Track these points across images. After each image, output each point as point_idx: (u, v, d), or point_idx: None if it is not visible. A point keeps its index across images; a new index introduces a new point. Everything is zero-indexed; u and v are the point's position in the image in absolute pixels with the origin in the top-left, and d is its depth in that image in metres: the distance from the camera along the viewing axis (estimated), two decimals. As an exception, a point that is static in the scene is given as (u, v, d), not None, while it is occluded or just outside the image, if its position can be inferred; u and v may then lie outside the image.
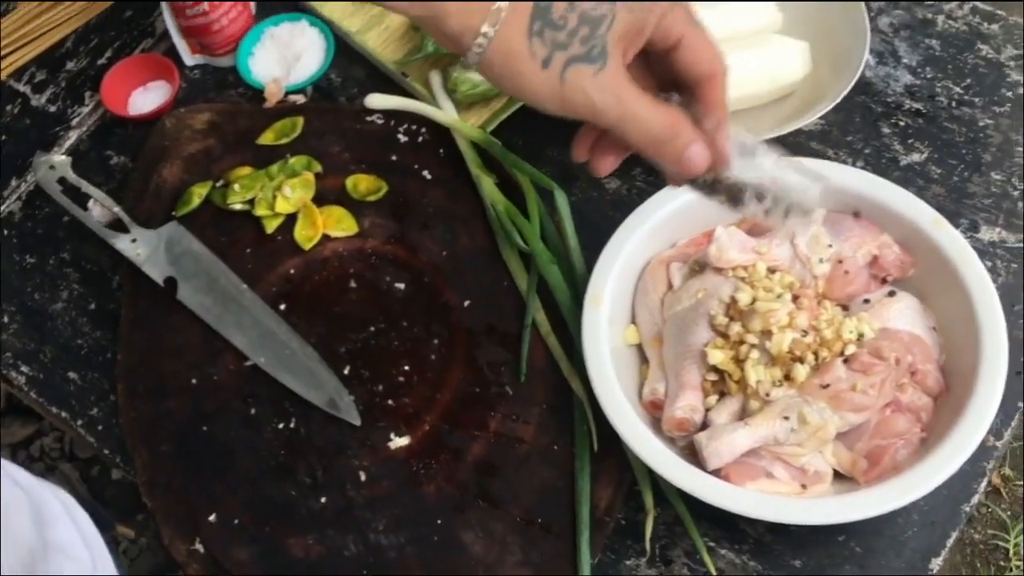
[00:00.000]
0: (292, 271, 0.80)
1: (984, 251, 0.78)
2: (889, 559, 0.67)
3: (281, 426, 0.74)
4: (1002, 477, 1.50)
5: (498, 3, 0.49)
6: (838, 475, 0.67)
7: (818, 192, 0.59)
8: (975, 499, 0.69)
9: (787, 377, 0.66)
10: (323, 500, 0.70)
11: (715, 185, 0.57)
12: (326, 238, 0.81)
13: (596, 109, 0.51)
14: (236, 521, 0.70)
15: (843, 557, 0.68)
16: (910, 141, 0.83)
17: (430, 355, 0.76)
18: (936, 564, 0.67)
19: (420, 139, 0.86)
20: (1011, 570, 1.42)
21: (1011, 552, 1.43)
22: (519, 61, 0.50)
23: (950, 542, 0.68)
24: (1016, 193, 0.80)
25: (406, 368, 0.75)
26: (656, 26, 0.52)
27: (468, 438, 0.72)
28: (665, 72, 0.55)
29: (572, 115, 0.53)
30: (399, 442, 0.72)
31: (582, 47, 0.50)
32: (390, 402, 0.74)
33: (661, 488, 0.69)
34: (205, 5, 0.87)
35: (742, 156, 0.56)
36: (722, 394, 0.68)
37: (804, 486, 0.66)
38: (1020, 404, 0.72)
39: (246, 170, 0.84)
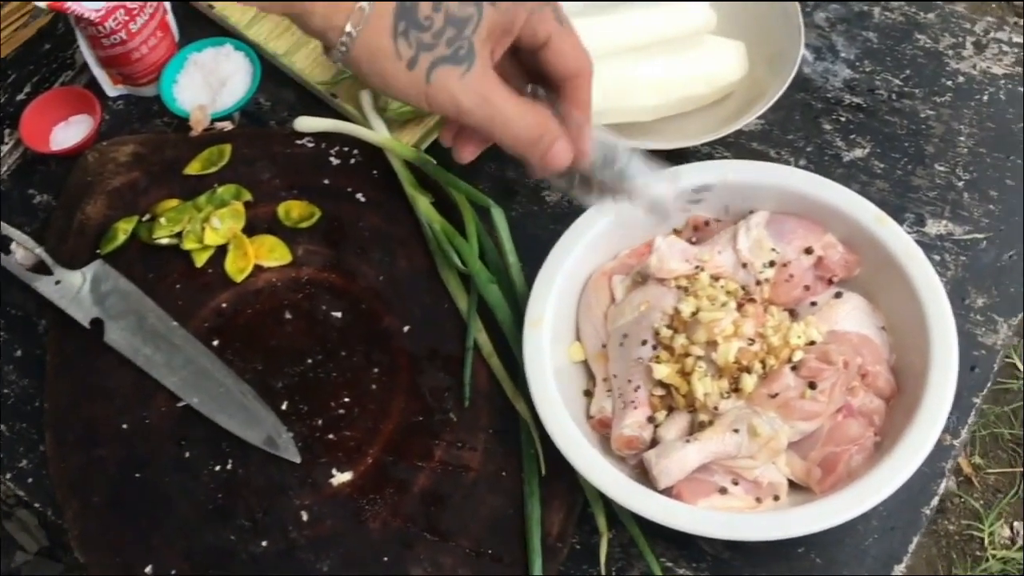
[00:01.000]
0: (224, 305, 0.77)
1: (931, 245, 0.76)
2: (851, 568, 0.65)
3: (218, 468, 0.70)
4: (973, 466, 1.49)
5: (362, 2, 0.49)
6: (793, 485, 0.65)
7: (672, 193, 0.62)
8: (935, 501, 0.67)
9: (735, 388, 0.64)
10: (264, 544, 0.67)
11: (573, 178, 0.60)
12: (259, 269, 0.78)
13: (462, 110, 0.52)
14: (174, 572, 0.67)
15: (804, 569, 0.66)
16: (852, 136, 0.82)
17: (371, 385, 0.73)
18: (899, 571, 0.65)
19: (353, 161, 0.83)
20: (987, 560, 1.41)
21: (986, 542, 1.42)
22: (384, 61, 0.50)
23: (912, 547, 0.66)
24: (961, 184, 0.79)
25: (346, 400, 0.72)
26: (524, 25, 0.53)
27: (413, 469, 0.70)
28: (533, 67, 0.56)
29: (439, 113, 0.54)
30: (341, 478, 0.69)
31: (448, 48, 0.50)
32: (331, 436, 0.71)
33: (614, 509, 0.67)
34: (122, 34, 0.84)
35: (602, 153, 0.59)
36: (671, 409, 0.66)
37: (759, 499, 0.64)
38: (975, 400, 0.70)
39: (173, 203, 0.81)
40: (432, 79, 0.50)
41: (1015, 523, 1.44)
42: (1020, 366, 1.54)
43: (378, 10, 0.49)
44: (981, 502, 1.46)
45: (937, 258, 0.76)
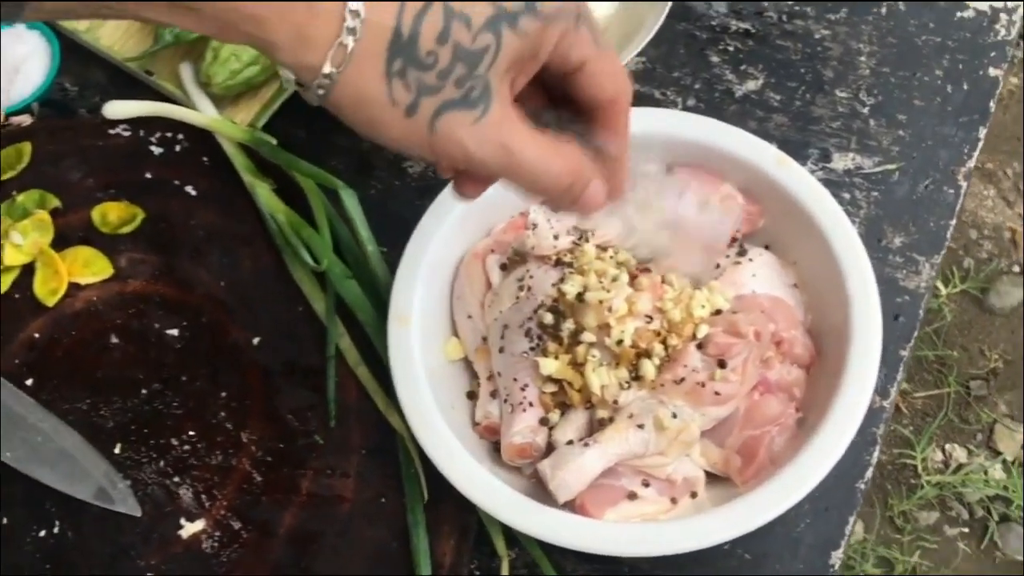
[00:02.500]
0: (37, 335, 0.65)
1: (840, 183, 0.68)
2: (784, 561, 0.58)
3: (43, 534, 0.59)
4: (900, 392, 1.45)
5: (345, 38, 0.38)
6: (712, 475, 0.57)
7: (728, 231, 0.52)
8: (869, 473, 0.60)
9: (635, 376, 0.55)
10: (106, 619, 0.57)
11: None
12: (74, 288, 0.66)
13: (476, 161, 0.41)
14: (-2, 666, 0.56)
15: (732, 568, 0.58)
16: (743, 67, 0.73)
17: (219, 412, 0.62)
18: (837, 558, 0.58)
19: (178, 148, 0.71)
20: (922, 487, 1.38)
21: (920, 468, 1.39)
22: (374, 108, 0.40)
23: (849, 528, 0.59)
24: (865, 110, 0.71)
25: (191, 434, 0.62)
26: (553, 51, 0.42)
27: (277, 507, 0.59)
28: (558, 89, 0.45)
29: (445, 163, 0.44)
30: (192, 528, 0.59)
31: (457, 90, 0.40)
32: (176, 480, 0.60)
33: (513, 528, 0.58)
34: None
35: (642, 187, 0.49)
36: (565, 407, 0.57)
37: (674, 500, 0.55)
38: (903, 353, 0.63)
39: (-36, 219, 0.68)
40: (437, 128, 0.40)
41: (946, 446, 1.41)
42: (940, 285, 1.51)
43: (366, 46, 0.38)
44: (911, 428, 1.43)
45: (847, 196, 0.68)
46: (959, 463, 1.39)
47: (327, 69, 0.38)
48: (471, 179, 0.47)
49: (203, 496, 0.60)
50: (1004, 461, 1.39)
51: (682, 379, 0.54)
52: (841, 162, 0.69)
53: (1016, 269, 1.52)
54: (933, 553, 1.35)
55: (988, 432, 1.42)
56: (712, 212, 0.49)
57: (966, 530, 1.36)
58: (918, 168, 0.68)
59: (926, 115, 0.70)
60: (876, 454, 0.60)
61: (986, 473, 1.37)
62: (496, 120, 0.41)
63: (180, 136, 0.71)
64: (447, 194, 0.62)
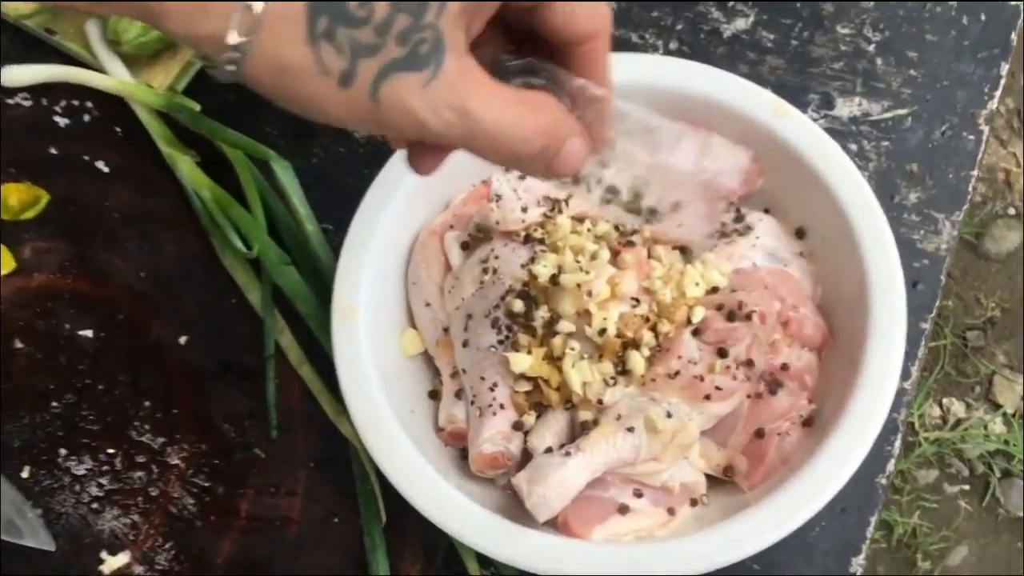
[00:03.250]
0: (-71, 343, 0.57)
1: (846, 132, 0.60)
2: (798, 570, 0.51)
3: (-58, 576, 0.52)
4: (894, 346, 1.39)
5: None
6: (714, 478, 0.50)
7: (740, 172, 0.43)
8: (891, 466, 0.53)
9: (622, 371, 0.47)
10: (18, 673, 0.49)
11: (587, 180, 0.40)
12: (-29, 286, 0.58)
13: (431, 132, 0.34)
14: None
15: (739, 581, 0.51)
16: (731, 4, 0.64)
17: (143, 425, 0.54)
18: (858, 564, 0.51)
19: (87, 118, 0.62)
20: (919, 444, 1.32)
21: (917, 425, 1.33)
22: (301, 81, 0.33)
23: (870, 530, 0.51)
24: (871, 48, 0.62)
25: (110, 451, 0.54)
26: None
27: (213, 533, 0.52)
28: (521, 29, 0.37)
29: (396, 135, 0.38)
30: (115, 562, 0.52)
31: (401, 47, 0.32)
32: (95, 507, 0.53)
33: (486, 546, 0.50)
34: None
35: (637, 139, 0.40)
36: (542, 408, 0.49)
37: (671, 510, 0.48)
38: (924, 326, 0.56)
39: None
40: (381, 96, 0.33)
41: (944, 400, 1.35)
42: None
43: (280, 5, 0.31)
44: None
45: (854, 147, 0.60)
46: (958, 418, 1.33)
47: (232, 39, 0.31)
48: (427, 151, 0.39)
49: (127, 525, 0.52)
50: (1004, 414, 1.33)
51: (676, 372, 0.46)
52: (846, 108, 0.61)
53: (1012, 212, 1.45)
54: (933, 513, 1.29)
55: (987, 384, 1.36)
56: (717, 158, 0.41)
57: (967, 487, 1.30)
58: (933, 112, 0.60)
59: (940, 51, 0.62)
60: (898, 444, 0.53)
61: (986, 427, 1.32)
62: (451, 79, 0.33)
63: (89, 104, 0.63)
64: (397, 161, 0.54)
